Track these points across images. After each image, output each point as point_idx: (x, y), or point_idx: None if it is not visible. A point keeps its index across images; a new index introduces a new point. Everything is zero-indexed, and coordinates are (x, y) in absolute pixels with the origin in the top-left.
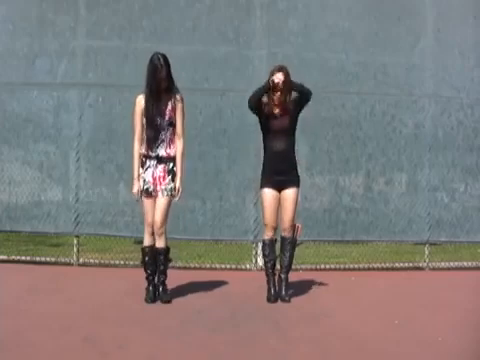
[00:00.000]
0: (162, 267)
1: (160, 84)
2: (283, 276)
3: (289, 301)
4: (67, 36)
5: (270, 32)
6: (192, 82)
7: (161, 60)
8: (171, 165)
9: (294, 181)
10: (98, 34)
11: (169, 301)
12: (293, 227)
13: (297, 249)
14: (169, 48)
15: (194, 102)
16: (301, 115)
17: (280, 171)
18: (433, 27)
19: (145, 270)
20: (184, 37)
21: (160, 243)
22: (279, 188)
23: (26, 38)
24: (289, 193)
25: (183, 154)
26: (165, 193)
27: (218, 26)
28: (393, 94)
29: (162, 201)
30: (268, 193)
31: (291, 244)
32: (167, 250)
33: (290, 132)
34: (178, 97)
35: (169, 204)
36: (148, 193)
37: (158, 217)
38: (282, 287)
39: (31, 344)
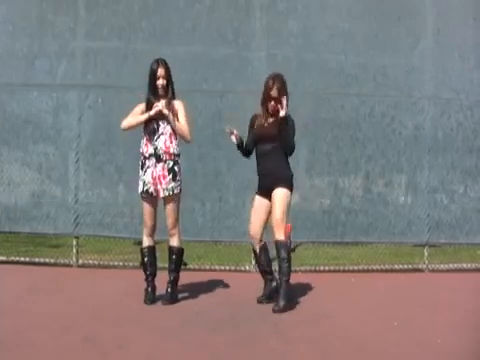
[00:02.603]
0: (173, 266)
1: (159, 86)
2: (280, 281)
3: (277, 311)
4: (67, 37)
5: (270, 33)
6: (191, 83)
7: (159, 63)
8: (171, 164)
9: (282, 180)
10: (97, 35)
11: (168, 303)
12: (283, 228)
13: (296, 250)
14: (168, 49)
15: (193, 103)
16: (301, 117)
17: (267, 172)
18: (433, 29)
19: (144, 271)
20: (183, 38)
21: (173, 242)
22: (269, 191)
23: (26, 39)
24: (276, 192)
25: (187, 132)
26: (167, 193)
27: (217, 27)
28: (393, 96)
29: (170, 205)
30: (257, 201)
31: (283, 248)
32: (180, 250)
33: (277, 138)
34: (177, 102)
35: (177, 205)
36: (148, 194)
37: (169, 221)
38: (280, 293)
39: (31, 344)
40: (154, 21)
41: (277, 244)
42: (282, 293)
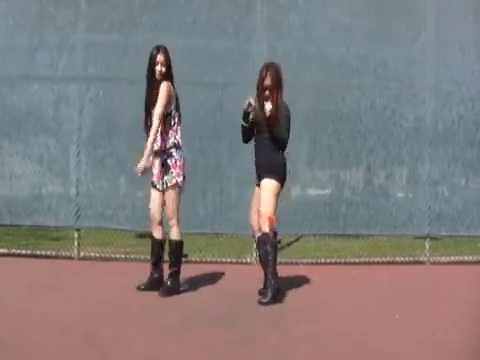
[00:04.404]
0: (172, 259)
1: (155, 73)
2: (266, 274)
3: (263, 303)
4: (67, 30)
5: (270, 26)
6: (192, 76)
7: (158, 50)
8: (165, 157)
9: (270, 170)
10: (98, 28)
11: (165, 295)
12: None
13: (298, 243)
14: (169, 42)
15: (194, 96)
16: (302, 109)
17: (260, 162)
18: (433, 22)
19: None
20: (184, 31)
21: (171, 235)
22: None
23: (27, 32)
24: (263, 183)
25: (150, 139)
26: (161, 187)
27: (218, 20)
28: (393, 88)
29: (166, 197)
30: (255, 191)
31: (264, 239)
32: (177, 243)
33: (271, 125)
34: (161, 85)
35: (174, 196)
36: (153, 185)
37: (167, 212)
38: (265, 285)
39: (31, 344)
40: (154, 14)
41: (261, 236)
42: (268, 286)
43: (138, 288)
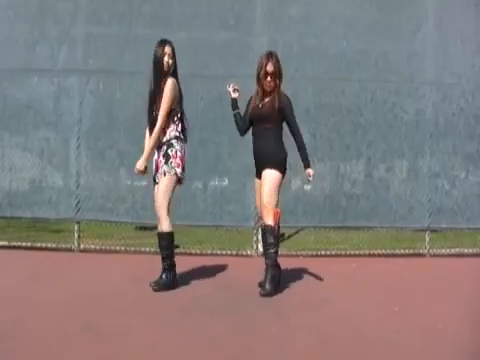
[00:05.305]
0: (164, 252)
1: (161, 66)
2: (267, 266)
3: (264, 295)
4: (67, 22)
5: (271, 19)
6: (193, 68)
7: (165, 42)
8: (165, 148)
9: (270, 162)
10: (98, 20)
11: (158, 289)
12: (272, 213)
13: (298, 235)
14: (169, 34)
15: (195, 88)
16: (302, 102)
17: (259, 155)
18: (434, 14)
19: None
20: (185, 23)
21: (160, 227)
22: (261, 174)
23: (26, 25)
24: (263, 175)
25: (153, 136)
26: (161, 176)
27: (219, 12)
28: (394, 81)
29: (158, 187)
30: (256, 183)
31: (269, 233)
32: (163, 235)
33: (271, 119)
34: (167, 81)
35: (166, 186)
36: (154, 181)
37: (156, 201)
38: (266, 276)
39: (32, 332)
40: (155, 6)
41: (264, 228)
42: (268, 278)
43: (150, 285)
